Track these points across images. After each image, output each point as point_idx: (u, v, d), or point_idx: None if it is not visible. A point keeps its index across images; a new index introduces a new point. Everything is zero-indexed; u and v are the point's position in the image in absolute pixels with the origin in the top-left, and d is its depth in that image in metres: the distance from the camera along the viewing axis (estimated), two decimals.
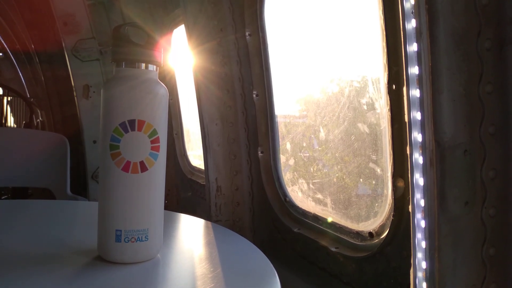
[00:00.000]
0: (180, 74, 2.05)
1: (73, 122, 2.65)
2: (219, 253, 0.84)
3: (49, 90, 3.59)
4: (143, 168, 0.71)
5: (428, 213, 0.63)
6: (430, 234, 0.63)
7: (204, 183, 1.61)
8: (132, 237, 0.69)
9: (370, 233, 0.96)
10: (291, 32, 1.29)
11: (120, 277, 0.64)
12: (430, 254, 0.64)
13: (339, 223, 1.07)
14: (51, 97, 3.59)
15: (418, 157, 0.64)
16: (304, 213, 1.22)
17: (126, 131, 0.70)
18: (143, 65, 0.71)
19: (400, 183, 0.83)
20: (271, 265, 0.73)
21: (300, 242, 1.22)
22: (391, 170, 0.84)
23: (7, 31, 4.77)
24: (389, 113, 0.84)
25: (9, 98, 5.20)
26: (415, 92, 0.63)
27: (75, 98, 2.44)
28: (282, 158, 1.35)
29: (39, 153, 1.99)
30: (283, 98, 1.33)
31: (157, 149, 0.72)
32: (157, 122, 0.71)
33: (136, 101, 0.71)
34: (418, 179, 0.65)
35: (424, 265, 0.66)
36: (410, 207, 0.66)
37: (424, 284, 0.66)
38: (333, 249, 1.04)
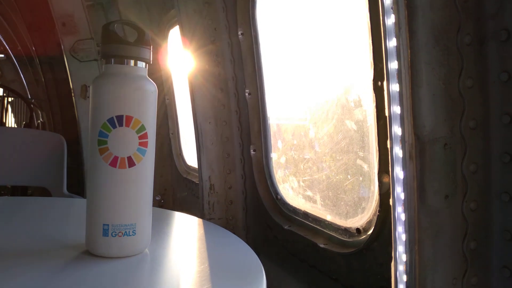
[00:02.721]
0: (177, 74, 2.07)
1: (73, 123, 2.67)
2: (208, 249, 0.84)
3: (49, 92, 3.61)
4: (131, 163, 0.71)
5: (408, 206, 0.63)
6: (410, 227, 0.64)
7: (198, 182, 1.61)
8: (119, 232, 0.70)
9: (358, 229, 0.97)
10: (280, 33, 1.30)
11: (107, 271, 0.64)
12: (410, 247, 0.64)
13: (328, 219, 1.08)
14: (51, 99, 3.61)
15: (398, 151, 0.65)
16: (295, 210, 1.23)
17: (114, 127, 0.70)
18: (132, 62, 0.72)
19: (386, 179, 0.84)
20: (259, 260, 0.73)
21: (290, 240, 1.22)
22: (377, 164, 0.85)
23: (9, 33, 4.81)
24: (375, 109, 0.85)
25: (10, 99, 5.22)
26: (395, 87, 0.63)
27: (73, 98, 2.46)
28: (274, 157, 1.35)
29: (36, 152, 2.00)
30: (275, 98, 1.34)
31: (145, 144, 0.72)
32: (145, 118, 0.72)
33: (124, 97, 0.71)
34: (399, 172, 0.65)
35: (404, 258, 0.66)
36: (391, 200, 0.66)
37: (405, 277, 0.66)
38: (322, 246, 1.05)
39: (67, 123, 3.05)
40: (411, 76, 0.60)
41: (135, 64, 0.72)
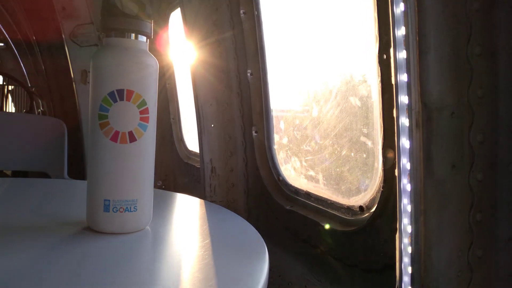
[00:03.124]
0: (178, 59, 2.05)
1: (74, 112, 2.66)
2: (210, 226, 0.84)
3: (49, 81, 3.59)
4: (132, 138, 0.71)
5: (414, 176, 0.62)
6: (415, 197, 0.63)
7: (199, 167, 1.60)
8: (120, 207, 0.69)
9: (361, 207, 0.96)
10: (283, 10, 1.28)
11: (108, 247, 0.63)
12: (416, 218, 0.63)
13: (331, 198, 1.07)
14: (52, 88, 3.60)
15: (404, 121, 0.63)
16: (297, 191, 1.22)
17: (115, 101, 0.69)
18: (133, 35, 0.71)
19: (390, 154, 0.83)
20: (260, 236, 0.72)
21: (292, 220, 1.21)
22: (381, 141, 0.84)
23: (8, 21, 4.77)
24: (380, 83, 0.84)
25: (10, 88, 5.21)
26: (402, 54, 0.62)
27: (73, 83, 2.44)
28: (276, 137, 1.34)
29: (37, 137, 2.00)
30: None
31: (146, 120, 0.72)
32: (146, 93, 0.71)
33: (125, 70, 0.70)
34: (405, 143, 0.64)
35: (409, 229, 0.65)
36: (396, 171, 0.65)
37: (409, 249, 0.66)
38: (324, 225, 1.04)
39: (68, 112, 3.03)
40: (419, 42, 0.59)
41: (136, 37, 0.71)
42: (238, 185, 1.51)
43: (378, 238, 0.91)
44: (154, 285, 0.51)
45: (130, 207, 0.70)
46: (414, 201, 0.63)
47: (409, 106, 0.61)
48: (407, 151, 0.63)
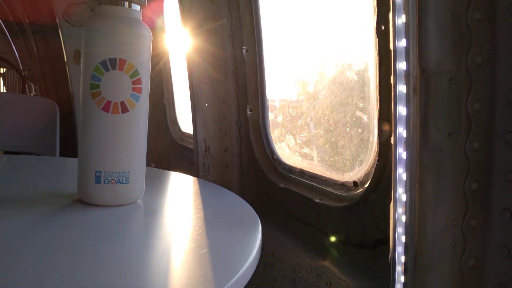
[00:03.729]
0: (172, 38, 2.02)
1: (67, 95, 2.62)
2: (203, 201, 0.83)
3: (42, 62, 3.55)
4: (124, 109, 0.69)
5: (410, 143, 0.62)
6: (411, 165, 0.62)
7: (193, 148, 1.59)
8: (112, 179, 0.68)
9: (355, 182, 0.95)
10: None
11: (99, 218, 0.62)
12: (411, 186, 0.62)
13: (324, 175, 1.06)
14: (44, 70, 3.55)
15: (402, 88, 0.63)
16: (291, 169, 1.21)
17: (107, 70, 0.68)
18: (126, 3, 0.69)
19: (386, 127, 0.82)
20: (253, 210, 0.72)
21: (285, 198, 1.21)
22: (377, 113, 0.83)
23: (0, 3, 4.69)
24: (377, 56, 0.83)
25: (2, 71, 5.13)
26: (401, 19, 0.61)
27: (67, 67, 2.41)
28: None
29: (28, 117, 1.98)
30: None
31: (138, 90, 0.70)
32: (139, 63, 0.69)
33: (117, 39, 0.69)
34: (401, 110, 0.63)
35: (404, 198, 0.65)
36: (392, 139, 0.64)
37: (404, 218, 0.65)
38: (318, 201, 1.03)
39: (61, 97, 3.00)
40: (418, 5, 0.58)
41: (129, 6, 0.69)
42: (232, 165, 1.50)
43: (372, 213, 0.91)
44: (145, 254, 0.50)
45: (122, 179, 0.69)
46: (410, 169, 0.62)
47: (407, 72, 0.60)
48: (404, 118, 0.62)
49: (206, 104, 1.46)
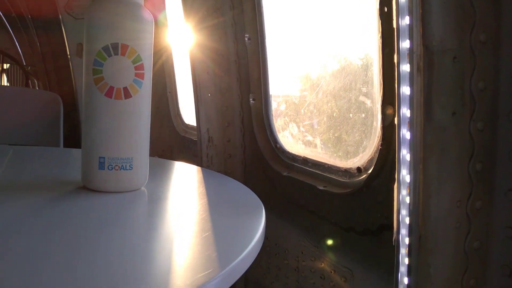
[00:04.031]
0: (175, 30, 2.01)
1: (70, 91, 2.63)
2: (207, 188, 0.83)
3: (45, 57, 3.55)
4: (127, 94, 0.69)
5: (414, 122, 0.61)
6: (415, 145, 0.61)
7: (196, 140, 1.59)
8: (115, 165, 0.68)
9: (359, 168, 0.95)
10: None
11: (103, 204, 0.61)
12: (415, 166, 0.62)
13: (328, 162, 1.06)
14: (47, 65, 3.56)
15: (406, 67, 0.62)
16: (294, 157, 1.20)
17: (109, 55, 0.68)
18: None
19: (389, 111, 0.81)
20: (256, 196, 0.71)
21: (289, 187, 1.20)
22: (381, 97, 0.82)
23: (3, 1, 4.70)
24: (380, 39, 0.82)
25: (5, 66, 5.15)
26: None
27: (69, 56, 2.41)
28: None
29: (32, 111, 1.98)
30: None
31: (141, 76, 0.70)
32: (141, 48, 0.69)
33: (119, 24, 0.69)
34: (405, 90, 0.63)
35: (408, 179, 0.64)
36: (396, 119, 0.64)
37: (408, 199, 0.65)
38: (321, 188, 1.03)
39: (65, 92, 3.00)
40: None
41: None
42: (235, 156, 1.50)
43: (375, 199, 0.90)
44: (149, 236, 0.50)
45: (126, 165, 0.68)
46: (414, 148, 0.61)
47: (411, 50, 0.59)
48: (407, 98, 0.62)
49: (209, 95, 1.46)
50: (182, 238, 0.51)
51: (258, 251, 0.52)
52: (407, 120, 0.62)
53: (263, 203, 0.66)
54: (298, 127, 1.19)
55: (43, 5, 2.84)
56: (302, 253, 1.19)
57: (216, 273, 0.39)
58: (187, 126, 2.02)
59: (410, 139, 0.62)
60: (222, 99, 1.47)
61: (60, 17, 2.38)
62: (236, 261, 0.43)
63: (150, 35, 0.70)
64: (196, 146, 1.52)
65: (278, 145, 1.29)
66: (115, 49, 0.67)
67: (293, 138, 1.23)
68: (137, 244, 0.47)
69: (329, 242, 1.08)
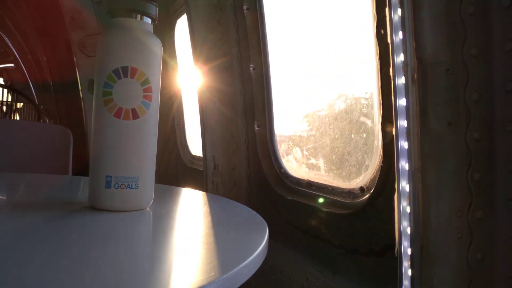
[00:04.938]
0: (184, 66, 2.09)
1: (80, 126, 2.69)
2: (211, 208, 0.84)
3: (57, 94, 3.65)
4: (135, 115, 0.72)
5: (411, 132, 0.63)
6: (413, 155, 0.63)
7: (203, 163, 1.61)
8: (122, 184, 0.69)
9: (361, 188, 0.95)
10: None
11: (108, 223, 0.63)
12: (413, 175, 0.63)
13: (332, 184, 1.06)
14: (59, 103, 3.65)
15: (401, 79, 0.64)
16: (298, 181, 1.21)
17: (119, 78, 0.71)
18: (139, 16, 0.73)
19: (389, 128, 0.83)
20: (260, 216, 0.72)
21: (294, 211, 1.21)
22: (380, 115, 0.84)
23: (18, 41, 4.90)
24: (378, 59, 0.85)
25: (19, 105, 5.29)
26: (397, 13, 0.63)
27: (80, 92, 2.49)
28: None
29: (42, 144, 2.03)
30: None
31: (149, 98, 0.73)
32: (150, 72, 0.73)
33: (130, 48, 0.72)
34: (401, 101, 0.65)
35: (407, 188, 0.65)
36: (393, 130, 0.66)
37: (408, 209, 0.65)
38: (325, 210, 1.03)
39: (74, 128, 3.06)
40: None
41: (141, 18, 0.73)
42: (240, 184, 1.51)
43: (379, 218, 0.90)
44: (154, 247, 0.50)
45: (132, 184, 0.70)
46: (412, 158, 0.63)
47: (405, 63, 0.62)
48: (404, 109, 0.64)
49: (215, 123, 1.49)
50: (185, 247, 0.52)
51: (261, 262, 0.52)
52: (404, 131, 0.64)
53: (268, 228, 0.66)
54: (302, 151, 1.21)
55: (57, 44, 2.96)
56: (308, 279, 1.17)
57: (217, 277, 0.40)
58: (194, 157, 2.05)
59: (407, 148, 0.64)
60: (228, 127, 1.50)
61: (73, 53, 2.47)
62: (239, 267, 0.44)
63: (159, 59, 0.74)
64: (202, 176, 1.53)
65: (282, 170, 1.30)
66: (125, 71, 0.70)
67: (296, 162, 1.25)
68: (142, 252, 0.48)
69: (334, 266, 1.07)
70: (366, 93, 0.98)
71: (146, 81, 0.71)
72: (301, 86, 1.25)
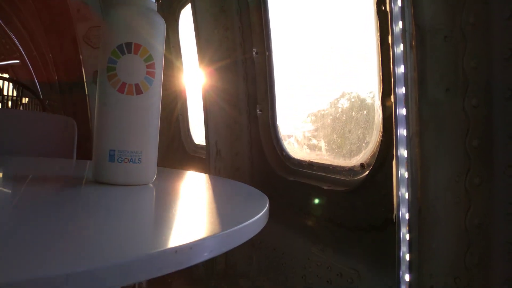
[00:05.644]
0: (187, 55, 2.10)
1: (85, 122, 2.70)
2: (214, 186, 0.85)
3: (63, 94, 3.68)
4: (138, 91, 0.73)
5: (409, 99, 0.64)
6: (411, 120, 0.64)
7: (205, 149, 1.62)
8: (125, 158, 0.70)
9: (362, 164, 0.96)
10: None
11: (111, 196, 0.63)
12: (412, 140, 0.64)
13: (332, 164, 1.08)
14: (65, 99, 3.68)
15: (399, 46, 0.65)
16: (300, 163, 1.23)
17: (123, 53, 0.72)
18: None
19: (389, 102, 0.84)
20: (260, 191, 0.73)
21: (295, 193, 1.22)
22: (380, 90, 0.85)
23: (25, 38, 4.94)
24: (379, 35, 0.86)
25: (24, 101, 5.33)
26: None
27: (85, 83, 2.51)
28: None
29: (47, 134, 2.05)
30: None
31: (152, 74, 0.74)
32: (153, 48, 0.74)
33: (134, 25, 0.74)
34: (400, 68, 0.66)
35: (405, 154, 0.66)
36: (392, 97, 0.67)
37: (406, 174, 0.66)
38: (326, 188, 1.04)
39: (79, 118, 3.09)
40: None
41: None
42: (243, 170, 1.52)
43: (379, 192, 0.91)
44: (156, 215, 0.51)
45: (135, 159, 0.71)
46: (410, 123, 0.64)
47: (403, 29, 0.63)
48: (402, 76, 0.65)
49: (218, 109, 1.50)
50: (188, 212, 0.53)
51: (262, 226, 0.53)
52: (403, 97, 0.65)
53: (270, 212, 0.67)
54: (303, 132, 1.22)
55: (63, 37, 2.98)
56: (309, 259, 1.18)
57: (217, 232, 0.41)
58: (197, 146, 2.06)
59: (405, 114, 0.65)
60: (231, 113, 1.51)
61: (78, 45, 2.49)
62: (241, 225, 0.44)
63: (162, 37, 0.75)
64: (205, 163, 1.54)
65: (284, 153, 1.32)
66: (128, 47, 0.71)
67: (298, 144, 1.26)
68: (146, 216, 0.49)
69: (335, 245, 1.08)
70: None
71: (149, 58, 0.73)
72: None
